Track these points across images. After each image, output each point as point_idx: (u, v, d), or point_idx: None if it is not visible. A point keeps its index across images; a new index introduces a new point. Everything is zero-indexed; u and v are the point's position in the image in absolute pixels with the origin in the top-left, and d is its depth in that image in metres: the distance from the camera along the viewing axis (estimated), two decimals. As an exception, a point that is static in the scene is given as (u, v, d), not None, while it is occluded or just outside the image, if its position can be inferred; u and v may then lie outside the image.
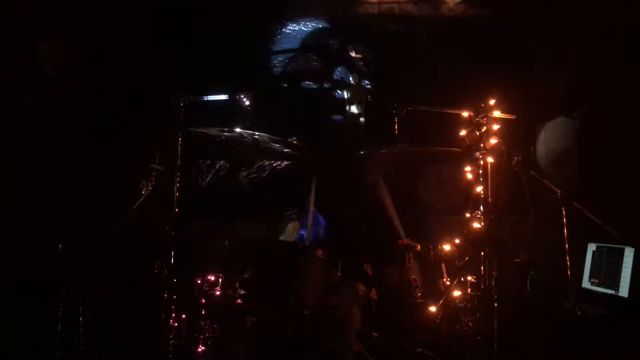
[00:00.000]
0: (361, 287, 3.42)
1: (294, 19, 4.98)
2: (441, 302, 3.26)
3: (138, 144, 4.22)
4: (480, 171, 3.41)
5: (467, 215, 3.48)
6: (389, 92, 4.84)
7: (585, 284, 3.78)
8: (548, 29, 4.59)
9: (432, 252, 3.51)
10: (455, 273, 3.44)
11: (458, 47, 4.73)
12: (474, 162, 3.46)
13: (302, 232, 4.19)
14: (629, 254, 3.52)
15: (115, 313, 3.90)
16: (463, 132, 3.51)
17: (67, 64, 4.32)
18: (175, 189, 3.40)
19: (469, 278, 3.43)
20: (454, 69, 4.66)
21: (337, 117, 4.61)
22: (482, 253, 3.32)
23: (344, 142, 4.78)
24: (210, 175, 4.70)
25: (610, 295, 3.56)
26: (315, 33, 4.98)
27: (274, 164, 4.65)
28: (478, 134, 3.41)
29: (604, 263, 3.69)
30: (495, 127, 3.42)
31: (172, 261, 3.33)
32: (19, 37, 4.14)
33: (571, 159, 4.43)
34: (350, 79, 4.88)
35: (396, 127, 3.62)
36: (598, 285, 3.69)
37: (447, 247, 3.60)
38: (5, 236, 3.91)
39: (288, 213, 4.82)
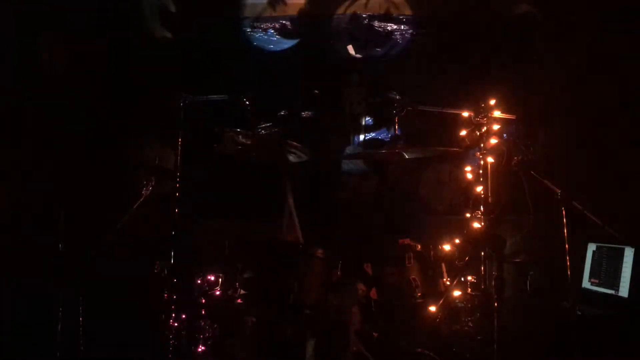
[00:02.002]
0: (361, 287, 3.41)
1: (294, 18, 4.99)
2: (441, 302, 3.26)
3: (138, 144, 4.22)
4: (480, 171, 3.41)
5: (467, 215, 3.48)
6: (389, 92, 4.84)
7: (585, 284, 3.78)
8: (548, 28, 4.60)
9: (432, 252, 3.50)
10: (455, 273, 3.44)
11: (458, 47, 4.73)
12: (474, 162, 3.46)
13: None
14: (629, 254, 3.52)
15: (115, 313, 3.90)
16: (463, 132, 3.52)
17: (67, 63, 4.33)
18: (175, 189, 3.40)
19: (469, 278, 3.43)
20: (454, 69, 4.66)
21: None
22: (482, 253, 3.32)
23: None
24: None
25: (610, 295, 3.57)
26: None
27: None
28: (478, 134, 3.41)
29: (604, 263, 3.69)
30: (495, 127, 3.42)
31: (172, 261, 3.33)
32: (19, 35, 4.15)
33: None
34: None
35: (396, 127, 3.62)
36: (598, 285, 3.69)
37: (447, 247, 3.60)
38: (6, 236, 3.92)
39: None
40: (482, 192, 3.41)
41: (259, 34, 4.96)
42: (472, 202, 3.47)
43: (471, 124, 3.44)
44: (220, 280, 3.60)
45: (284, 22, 5.00)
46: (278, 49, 4.95)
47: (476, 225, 3.41)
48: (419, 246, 3.47)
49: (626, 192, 4.09)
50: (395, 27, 4.94)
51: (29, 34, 4.19)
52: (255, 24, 4.98)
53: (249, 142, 3.59)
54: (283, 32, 4.97)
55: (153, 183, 3.46)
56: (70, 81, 4.29)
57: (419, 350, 3.25)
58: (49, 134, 4.18)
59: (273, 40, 4.96)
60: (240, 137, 3.55)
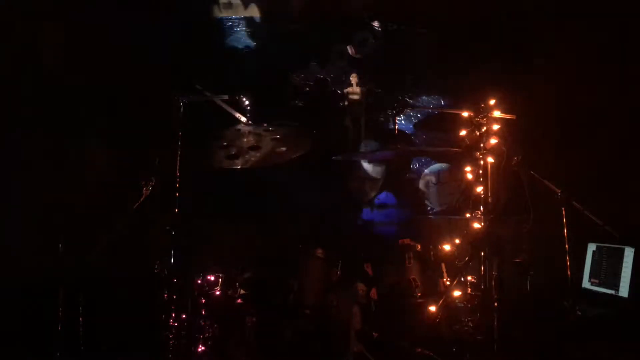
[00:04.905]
0: (361, 287, 3.42)
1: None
2: (441, 302, 3.26)
3: (138, 144, 4.22)
4: (480, 171, 3.41)
5: (467, 215, 3.48)
6: (389, 92, 4.85)
7: (585, 284, 3.78)
8: (548, 28, 4.60)
9: (432, 252, 3.51)
10: (455, 273, 3.44)
11: (458, 47, 4.73)
12: (474, 162, 3.46)
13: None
14: (629, 254, 3.51)
15: (115, 313, 3.90)
16: (463, 132, 3.52)
17: (67, 63, 4.33)
18: (175, 189, 3.40)
19: (469, 278, 3.43)
20: (454, 69, 4.67)
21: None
22: (482, 253, 3.32)
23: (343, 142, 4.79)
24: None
25: (610, 295, 3.56)
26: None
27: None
28: (478, 134, 3.41)
29: (604, 263, 3.69)
30: (495, 127, 3.42)
31: (172, 261, 3.33)
32: (19, 36, 4.15)
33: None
34: (350, 78, 4.89)
35: (396, 127, 3.62)
36: (598, 285, 3.69)
37: (447, 247, 3.60)
38: (6, 236, 3.92)
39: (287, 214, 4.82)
40: (482, 192, 3.40)
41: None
42: (472, 202, 3.47)
43: (471, 124, 3.44)
44: (220, 280, 3.61)
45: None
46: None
47: (476, 225, 3.41)
48: (419, 246, 3.47)
49: (626, 192, 4.09)
50: (396, 27, 4.95)
51: (29, 32, 4.20)
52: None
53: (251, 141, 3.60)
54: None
55: (153, 183, 3.46)
56: (70, 80, 4.30)
57: (419, 350, 3.25)
58: (49, 133, 4.18)
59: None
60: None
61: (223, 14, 5.06)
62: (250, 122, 3.57)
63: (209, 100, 3.63)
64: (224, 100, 3.60)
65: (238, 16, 5.07)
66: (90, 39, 4.41)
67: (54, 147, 4.20)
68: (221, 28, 5.07)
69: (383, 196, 4.26)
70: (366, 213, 4.20)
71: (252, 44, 5.07)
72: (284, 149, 3.59)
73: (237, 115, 3.58)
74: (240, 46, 5.07)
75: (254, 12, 5.08)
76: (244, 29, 5.09)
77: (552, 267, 3.57)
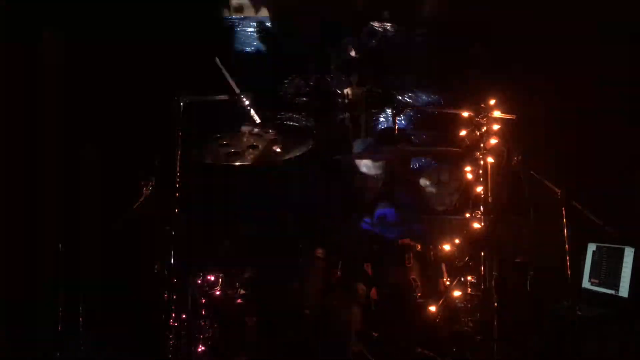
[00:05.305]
0: (361, 287, 3.42)
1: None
2: (441, 302, 3.26)
3: (138, 144, 4.22)
4: (480, 171, 3.41)
5: (467, 215, 3.49)
6: (389, 92, 4.85)
7: (585, 284, 3.78)
8: (548, 28, 4.60)
9: (432, 252, 3.51)
10: (455, 273, 3.44)
11: (458, 47, 4.74)
12: (474, 162, 3.46)
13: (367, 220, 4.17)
14: (629, 254, 3.52)
15: (115, 313, 3.90)
16: (463, 132, 3.51)
17: (67, 62, 4.33)
18: (175, 189, 3.39)
19: (469, 278, 3.44)
20: (454, 69, 4.67)
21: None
22: (482, 253, 3.32)
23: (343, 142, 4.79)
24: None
25: (610, 295, 3.57)
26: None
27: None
28: (478, 134, 3.41)
29: (604, 263, 3.69)
30: (495, 127, 3.42)
31: (172, 261, 3.33)
32: (17, 36, 4.15)
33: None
34: (350, 79, 4.89)
35: (396, 127, 3.62)
36: (598, 285, 3.69)
37: (447, 247, 3.60)
38: (6, 236, 3.92)
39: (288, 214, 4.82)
40: (482, 192, 3.41)
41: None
42: (472, 202, 3.47)
43: (471, 124, 3.44)
44: (220, 280, 3.61)
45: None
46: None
47: (476, 225, 3.41)
48: (419, 246, 3.47)
49: (626, 192, 4.09)
50: (396, 27, 4.95)
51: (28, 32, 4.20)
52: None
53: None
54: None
55: (153, 183, 3.46)
56: (70, 79, 4.30)
57: (419, 350, 3.26)
58: (49, 133, 4.18)
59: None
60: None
61: (232, 15, 5.06)
62: (258, 122, 3.56)
63: (210, 100, 3.62)
64: (224, 100, 3.59)
65: (239, 16, 5.08)
66: (91, 38, 4.41)
67: (53, 147, 4.20)
68: (223, 28, 5.07)
69: (382, 210, 4.26)
70: (366, 222, 4.20)
71: (253, 44, 5.07)
72: (279, 149, 3.58)
73: (254, 115, 3.58)
74: (241, 46, 5.07)
75: (263, 13, 5.08)
76: (244, 29, 5.09)
77: (552, 267, 3.58)
